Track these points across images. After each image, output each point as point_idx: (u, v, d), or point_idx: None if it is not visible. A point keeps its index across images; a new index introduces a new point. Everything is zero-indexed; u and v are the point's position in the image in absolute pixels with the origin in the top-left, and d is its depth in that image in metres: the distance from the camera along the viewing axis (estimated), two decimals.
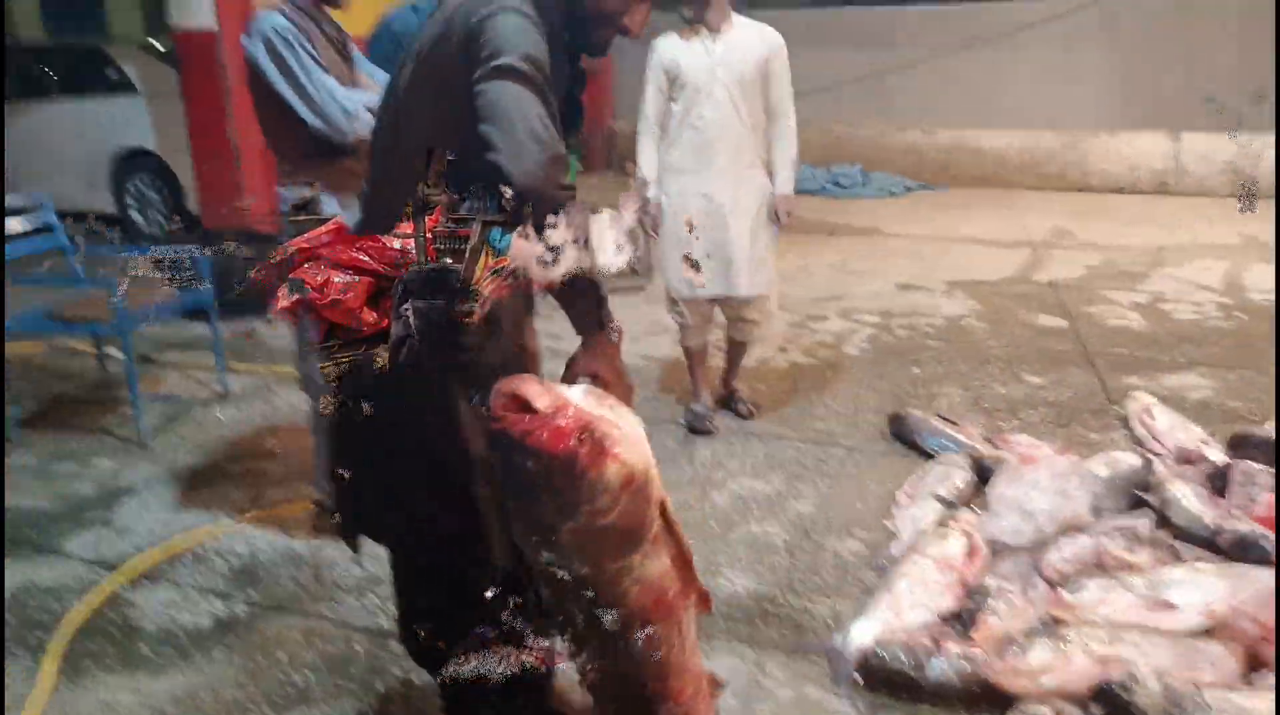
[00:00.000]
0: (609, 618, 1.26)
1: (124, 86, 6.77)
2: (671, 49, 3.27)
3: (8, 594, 2.46)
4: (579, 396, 1.23)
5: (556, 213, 1.31)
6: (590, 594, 1.25)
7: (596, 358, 1.46)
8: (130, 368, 3.49)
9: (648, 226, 3.47)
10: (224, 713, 2.02)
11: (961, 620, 2.19)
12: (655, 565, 1.25)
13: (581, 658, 1.39)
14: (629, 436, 1.21)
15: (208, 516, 2.88)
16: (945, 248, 6.85)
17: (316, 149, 2.46)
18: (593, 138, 10.95)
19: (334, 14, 2.62)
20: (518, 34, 1.39)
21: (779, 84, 3.27)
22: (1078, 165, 9.31)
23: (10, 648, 2.24)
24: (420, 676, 1.98)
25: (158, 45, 6.97)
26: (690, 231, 3.36)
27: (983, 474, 2.91)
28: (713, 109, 3.24)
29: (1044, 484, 2.59)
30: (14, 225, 3.60)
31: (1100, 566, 2.25)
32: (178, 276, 4.31)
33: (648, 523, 1.22)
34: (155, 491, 3.06)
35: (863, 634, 2.14)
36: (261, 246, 5.13)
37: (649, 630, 1.27)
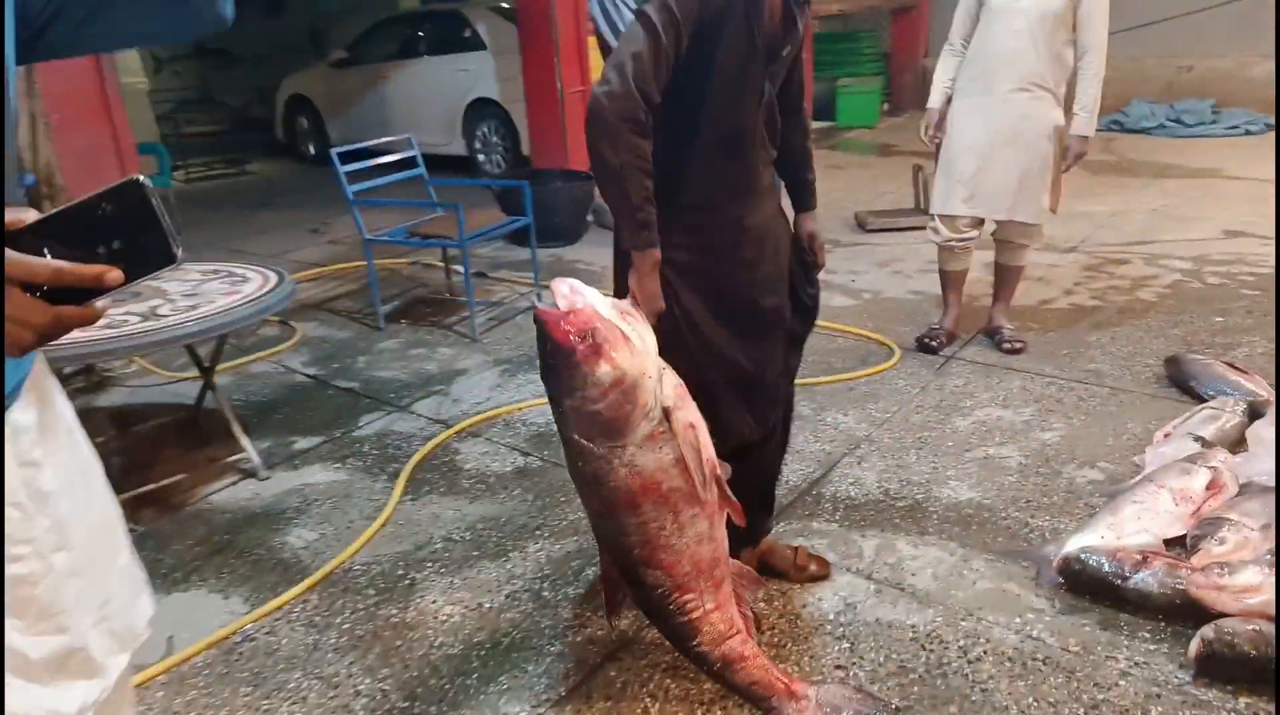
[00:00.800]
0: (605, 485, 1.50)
1: (477, 44, 7.78)
2: None
3: (375, 436, 3.25)
4: (603, 304, 1.48)
5: (606, 138, 1.59)
6: (588, 462, 1.50)
7: (632, 275, 1.71)
8: (468, 279, 4.25)
9: (932, 143, 3.58)
10: (516, 532, 2.58)
11: (1185, 547, 2.19)
12: (650, 459, 1.47)
13: (585, 502, 1.64)
14: (632, 346, 1.43)
15: (517, 394, 3.52)
16: None
17: None
18: (902, 76, 10.69)
19: None
20: None
21: (1089, 24, 3.24)
22: None
23: (374, 471, 2.99)
24: None
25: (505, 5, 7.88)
26: (966, 149, 3.43)
27: (1256, 420, 2.75)
28: (1009, 37, 3.29)
29: None
30: (386, 159, 4.49)
31: None
32: (508, 206, 5.09)
33: (633, 420, 1.44)
34: (481, 373, 3.77)
35: (1074, 544, 2.22)
36: (579, 184, 5.83)
37: (638, 508, 1.51)
